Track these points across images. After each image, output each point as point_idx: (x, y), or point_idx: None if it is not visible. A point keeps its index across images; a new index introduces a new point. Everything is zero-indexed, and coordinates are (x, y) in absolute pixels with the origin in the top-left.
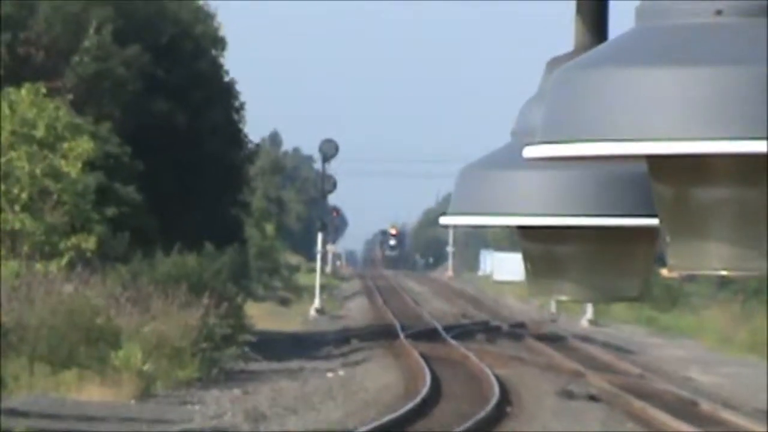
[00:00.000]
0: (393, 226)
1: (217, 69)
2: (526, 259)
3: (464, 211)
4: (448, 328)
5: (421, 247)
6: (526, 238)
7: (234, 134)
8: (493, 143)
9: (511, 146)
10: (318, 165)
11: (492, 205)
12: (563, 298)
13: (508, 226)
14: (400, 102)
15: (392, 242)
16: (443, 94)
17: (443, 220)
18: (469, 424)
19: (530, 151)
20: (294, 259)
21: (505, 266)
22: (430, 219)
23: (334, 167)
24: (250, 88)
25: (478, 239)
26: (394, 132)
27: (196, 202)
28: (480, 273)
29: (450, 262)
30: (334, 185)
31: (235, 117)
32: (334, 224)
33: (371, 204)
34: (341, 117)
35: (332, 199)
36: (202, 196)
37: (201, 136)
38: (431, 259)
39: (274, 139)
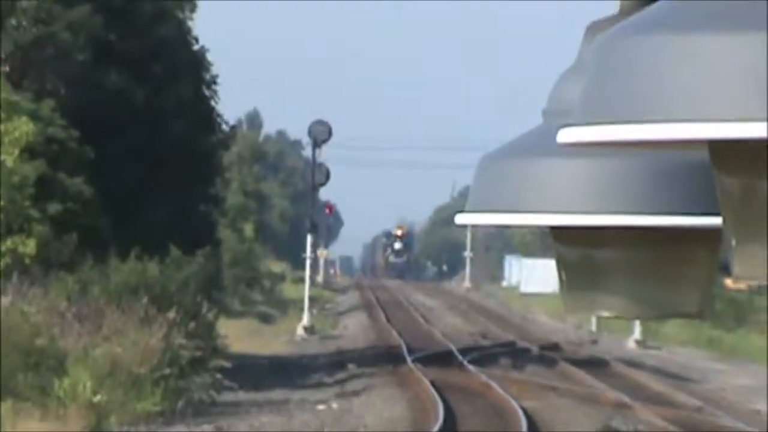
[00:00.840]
0: (399, 227)
1: (184, 35)
2: (561, 266)
3: (485, 208)
4: (464, 351)
5: (433, 252)
6: (560, 242)
7: (204, 114)
8: (520, 126)
9: (542, 129)
10: (307, 152)
11: (519, 201)
12: (605, 314)
13: (538, 227)
14: (405, 80)
15: (398, 246)
16: (456, 71)
17: (460, 219)
18: None
19: (566, 135)
20: (278, 266)
21: (535, 275)
22: (443, 218)
23: (326, 155)
24: (225, 59)
25: (501, 243)
26: (399, 115)
27: (157, 197)
28: (504, 284)
29: (468, 270)
30: (327, 176)
31: (206, 93)
32: (327, 224)
33: (372, 200)
34: (335, 95)
35: (324, 194)
36: (165, 189)
37: (164, 116)
38: (445, 267)
39: (254, 120)
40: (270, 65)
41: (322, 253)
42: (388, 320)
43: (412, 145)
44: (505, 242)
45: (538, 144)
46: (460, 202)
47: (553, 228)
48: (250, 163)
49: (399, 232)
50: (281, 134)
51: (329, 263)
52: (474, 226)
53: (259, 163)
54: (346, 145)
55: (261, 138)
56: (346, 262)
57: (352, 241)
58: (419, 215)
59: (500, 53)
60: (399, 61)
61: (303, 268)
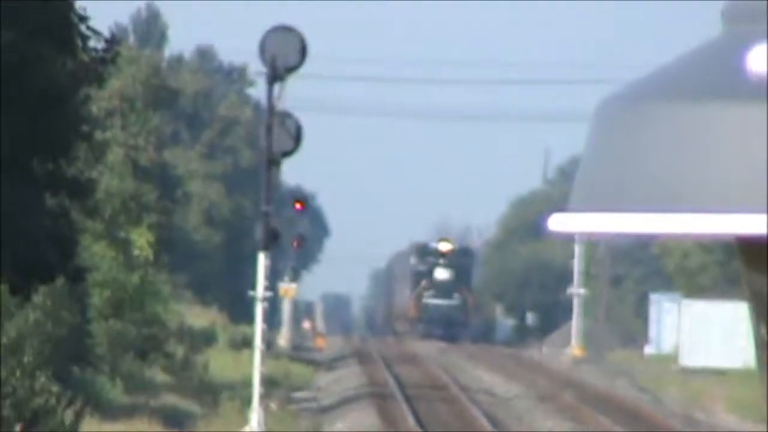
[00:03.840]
0: (443, 239)
1: None
2: (761, 315)
3: (609, 202)
4: None
5: (508, 286)
6: (759, 268)
7: (56, 21)
8: (669, 44)
9: (717, 48)
10: (258, 91)
11: (674, 187)
12: None
13: (715, 238)
14: None
15: (441, 275)
16: None
17: (558, 222)
18: None
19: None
20: (201, 315)
21: (708, 335)
22: (526, 220)
23: (296, 98)
24: None
25: (643, 270)
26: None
27: None
28: (649, 350)
29: (575, 323)
30: (297, 138)
31: None
32: (297, 234)
33: (385, 184)
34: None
35: (291, 174)
36: None
37: None
38: (530, 317)
39: (205, 53)
40: None
41: (287, 290)
42: (421, 424)
43: (457, 75)
44: (651, 268)
45: (711, 75)
46: (561, 189)
47: (745, 241)
48: (144, 112)
49: (443, 248)
50: (205, 55)
51: (302, 310)
52: (588, 237)
53: (164, 110)
54: (334, 76)
55: (166, 61)
56: (337, 306)
57: (347, 268)
58: (481, 214)
59: None
60: None
61: (249, 319)
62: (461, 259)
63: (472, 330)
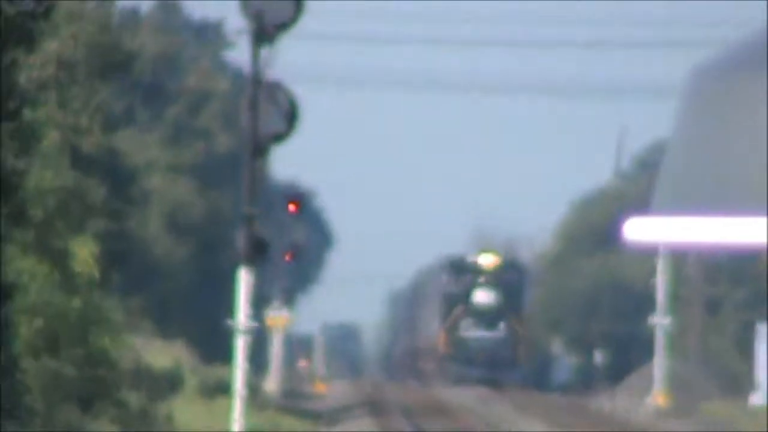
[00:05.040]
0: (485, 251)
1: None
2: None
3: (705, 201)
4: None
5: (572, 314)
6: None
7: None
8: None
9: None
10: (239, 55)
11: None
12: None
13: None
14: None
15: (482, 299)
16: None
17: (636, 229)
18: None
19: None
20: (162, 352)
21: None
22: (594, 226)
23: (289, 65)
24: None
25: (748, 293)
26: None
27: None
28: (757, 399)
29: (659, 362)
30: (291, 117)
31: None
32: (289, 243)
33: (407, 183)
34: None
35: (281, 165)
36: None
37: None
38: (599, 355)
39: (169, 5)
40: None
41: (278, 319)
42: None
43: (498, 36)
44: (758, 290)
45: None
46: (638, 185)
47: None
48: (88, 83)
49: (485, 263)
50: (168, 7)
51: (298, 345)
52: (675, 248)
53: (116, 80)
54: (338, 37)
55: (118, 15)
56: (343, 341)
57: (356, 289)
58: (532, 220)
59: None
60: None
61: (226, 357)
62: (509, 277)
63: (523, 371)
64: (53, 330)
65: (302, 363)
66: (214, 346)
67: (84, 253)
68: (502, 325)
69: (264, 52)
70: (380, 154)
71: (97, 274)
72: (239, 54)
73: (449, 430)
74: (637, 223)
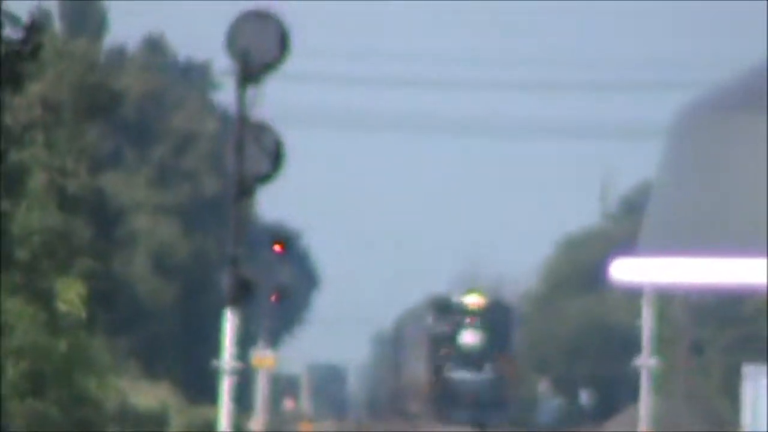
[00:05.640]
0: (471, 292)
1: None
2: None
3: (690, 241)
4: None
5: (558, 354)
6: None
7: None
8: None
9: None
10: (224, 96)
11: None
12: None
13: None
14: None
15: (469, 339)
16: None
17: (622, 269)
18: None
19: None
20: (148, 393)
21: None
22: (580, 266)
23: (275, 105)
24: None
25: (734, 334)
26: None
27: None
28: None
29: (645, 403)
30: (276, 159)
31: None
32: (275, 284)
33: (392, 223)
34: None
35: (268, 207)
36: None
37: None
38: (584, 396)
39: (155, 46)
40: None
41: (264, 359)
42: None
43: (486, 78)
44: (745, 332)
45: None
46: (624, 226)
47: None
48: (75, 124)
49: (472, 303)
50: (155, 48)
51: (284, 385)
52: (660, 289)
53: (102, 121)
54: (324, 76)
55: (104, 55)
56: (329, 381)
57: (342, 330)
58: (518, 261)
59: None
60: None
61: (212, 398)
62: (495, 318)
63: (509, 411)
64: (39, 371)
65: (288, 403)
66: (201, 387)
67: (70, 293)
68: (488, 366)
69: (250, 92)
70: (366, 196)
71: (83, 314)
72: (226, 94)
73: None
74: (623, 264)
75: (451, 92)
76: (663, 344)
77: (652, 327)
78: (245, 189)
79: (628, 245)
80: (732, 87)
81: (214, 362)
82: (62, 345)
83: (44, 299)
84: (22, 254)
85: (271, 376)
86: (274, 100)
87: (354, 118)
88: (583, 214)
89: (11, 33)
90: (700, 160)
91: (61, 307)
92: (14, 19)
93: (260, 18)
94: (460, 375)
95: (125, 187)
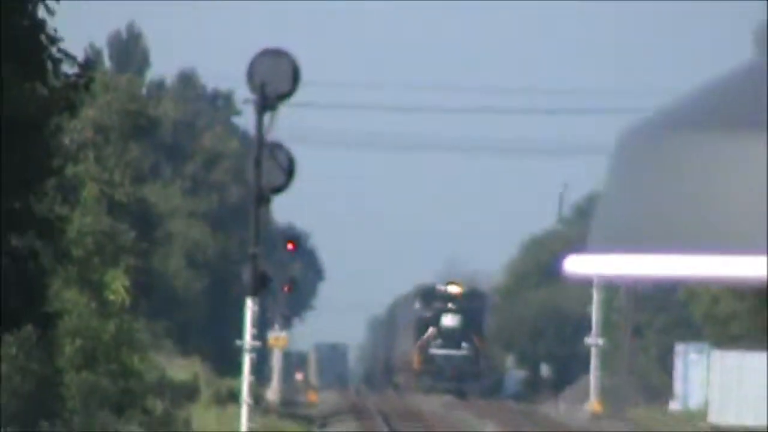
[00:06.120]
0: (451, 282)
1: None
2: None
3: (630, 242)
4: None
5: (519, 336)
6: None
7: (28, 45)
8: (702, 68)
9: (750, 76)
10: (245, 119)
11: (703, 226)
12: None
13: (749, 282)
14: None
15: (449, 322)
16: None
17: (575, 264)
18: None
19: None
20: (182, 367)
21: (742, 388)
22: (540, 262)
23: (288, 128)
24: None
25: (668, 318)
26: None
27: None
28: (675, 405)
29: (593, 376)
30: (288, 173)
31: (39, 16)
32: (289, 277)
33: (386, 226)
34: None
35: (282, 212)
36: None
37: None
38: (545, 369)
39: (188, 79)
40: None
41: (278, 339)
42: None
43: (465, 103)
44: (677, 316)
45: (745, 105)
46: (578, 229)
47: None
48: (121, 143)
49: (452, 292)
50: (188, 81)
51: (294, 361)
52: (607, 281)
53: (143, 141)
54: (330, 105)
55: (145, 87)
56: (332, 357)
57: (343, 314)
58: (489, 257)
59: None
60: None
61: (236, 371)
62: (472, 304)
63: (482, 383)
64: (91, 349)
65: (298, 376)
66: (226, 362)
67: (117, 284)
68: (465, 345)
69: (266, 117)
70: (364, 203)
71: (127, 302)
72: (247, 119)
73: (420, 431)
74: (576, 260)
75: (437, 118)
76: (608, 327)
77: (599, 312)
78: (263, 197)
79: (579, 245)
80: (675, 107)
81: (237, 342)
82: (110, 327)
83: (95, 289)
84: (77, 252)
85: (283, 353)
86: (285, 124)
87: (354, 139)
88: (542, 219)
89: (69, 69)
90: (636, 174)
91: (109, 295)
92: (71, 58)
93: (275, 55)
94: (442, 352)
95: (163, 196)
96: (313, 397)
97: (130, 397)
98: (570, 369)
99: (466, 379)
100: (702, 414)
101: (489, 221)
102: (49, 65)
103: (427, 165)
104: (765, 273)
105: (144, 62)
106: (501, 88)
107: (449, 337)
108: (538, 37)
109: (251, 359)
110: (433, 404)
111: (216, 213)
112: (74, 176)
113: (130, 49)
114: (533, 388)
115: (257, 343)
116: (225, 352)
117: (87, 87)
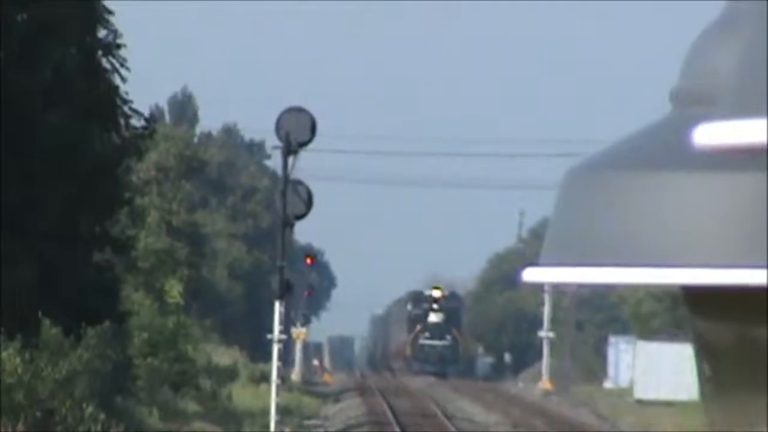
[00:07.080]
0: (435, 288)
1: None
2: (703, 354)
3: (574, 257)
4: None
5: (488, 330)
6: (702, 314)
7: (100, 99)
8: (628, 122)
9: (669, 124)
10: (274, 162)
11: (630, 245)
12: None
13: (664, 288)
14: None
15: (434, 319)
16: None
17: (531, 275)
18: None
19: (708, 133)
20: (225, 355)
21: (659, 371)
22: (504, 273)
23: (307, 167)
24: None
25: (603, 316)
26: (420, 103)
27: (16, 243)
28: (608, 384)
29: (546, 361)
30: (308, 203)
31: (105, 64)
32: (308, 284)
33: (384, 243)
34: (322, 73)
35: (303, 233)
36: (28, 227)
37: (23, 98)
38: (508, 356)
39: (230, 130)
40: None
41: (299, 333)
42: None
43: (447, 150)
44: (610, 314)
45: (662, 149)
46: (533, 247)
47: (688, 291)
48: (177, 180)
49: (436, 295)
50: (229, 132)
51: (312, 350)
52: (555, 287)
53: (194, 179)
54: (340, 150)
55: (196, 136)
56: (342, 347)
57: (350, 313)
58: (464, 268)
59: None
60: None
61: (267, 358)
62: (451, 304)
63: (459, 367)
64: (154, 340)
65: (315, 362)
66: (259, 351)
67: (174, 290)
68: (447, 337)
69: (290, 160)
70: (365, 228)
71: (182, 303)
72: (275, 161)
73: (410, 405)
74: (531, 272)
75: (426, 158)
76: (556, 323)
77: (549, 311)
78: (287, 223)
79: (534, 259)
80: (600, 153)
81: (268, 335)
82: (169, 323)
83: (157, 293)
84: (143, 265)
85: (304, 344)
86: (305, 165)
87: (357, 177)
88: (505, 239)
89: (137, 122)
90: (578, 204)
91: (168, 299)
92: (138, 114)
93: (298, 112)
94: (429, 342)
95: (209, 221)
96: (327, 378)
97: (185, 377)
98: (527, 356)
99: (447, 364)
100: (629, 390)
101: (464, 241)
102: (122, 120)
103: (417, 198)
104: (676, 281)
105: (195, 117)
106: (481, 138)
107: (434, 331)
108: (499, 98)
109: (279, 348)
110: (420, 383)
111: (251, 235)
112: (141, 206)
113: (184, 107)
114: (498, 370)
115: (283, 336)
116: (258, 342)
117: (151, 136)
